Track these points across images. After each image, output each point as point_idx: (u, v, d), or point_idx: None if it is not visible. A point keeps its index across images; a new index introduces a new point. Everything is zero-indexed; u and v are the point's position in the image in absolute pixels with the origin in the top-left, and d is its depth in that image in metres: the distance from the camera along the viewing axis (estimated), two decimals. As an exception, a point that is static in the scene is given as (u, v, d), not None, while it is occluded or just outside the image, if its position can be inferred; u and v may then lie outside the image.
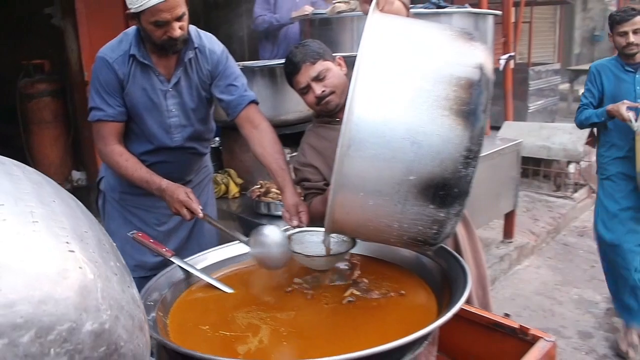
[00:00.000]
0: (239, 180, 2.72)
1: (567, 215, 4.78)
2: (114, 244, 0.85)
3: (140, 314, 0.80)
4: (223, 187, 2.64)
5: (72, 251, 0.69)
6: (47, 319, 0.62)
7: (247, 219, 2.39)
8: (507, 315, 1.54)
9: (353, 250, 1.57)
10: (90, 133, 4.37)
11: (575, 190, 5.18)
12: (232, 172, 2.73)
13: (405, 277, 1.50)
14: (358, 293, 1.42)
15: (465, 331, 1.57)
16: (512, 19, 6.07)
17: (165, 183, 1.81)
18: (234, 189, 2.68)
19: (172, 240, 2.09)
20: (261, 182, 2.49)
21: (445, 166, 1.06)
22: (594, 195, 5.35)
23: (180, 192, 1.77)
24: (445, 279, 1.38)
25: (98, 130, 1.90)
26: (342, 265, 1.58)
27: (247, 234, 1.61)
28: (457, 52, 1.13)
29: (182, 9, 1.72)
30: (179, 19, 1.72)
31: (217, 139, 2.96)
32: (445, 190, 1.08)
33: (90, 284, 0.68)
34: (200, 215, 1.75)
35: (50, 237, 0.68)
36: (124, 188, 2.02)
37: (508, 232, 4.07)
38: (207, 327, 1.30)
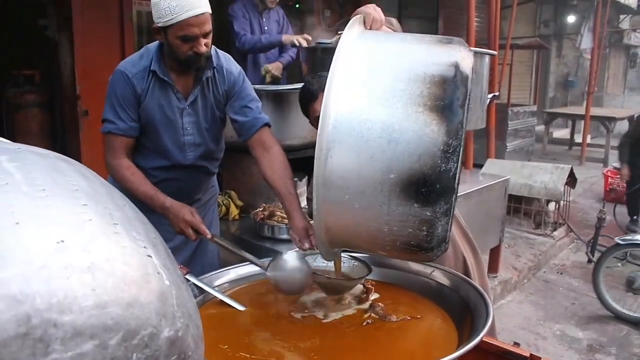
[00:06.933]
0: (239, 202, 2.71)
1: (547, 252, 4.88)
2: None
3: (201, 324, 0.80)
4: (223, 208, 2.62)
5: (150, 256, 0.69)
6: (134, 323, 0.62)
7: (249, 241, 2.37)
8: (516, 344, 1.56)
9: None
10: (78, 148, 4.32)
11: (555, 229, 5.30)
12: (232, 193, 2.72)
13: (419, 302, 1.52)
14: (376, 316, 1.43)
15: (474, 361, 1.59)
16: (498, 61, 6.28)
17: (169, 201, 1.78)
18: (234, 211, 2.66)
19: (176, 259, 2.05)
20: (264, 204, 2.48)
21: (424, 162, 1.06)
22: (572, 234, 5.49)
23: (186, 212, 1.74)
24: (462, 303, 1.41)
25: (108, 142, 1.88)
26: (356, 289, 1.59)
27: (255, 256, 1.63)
28: (431, 53, 1.15)
29: (210, 25, 1.74)
30: (205, 35, 1.73)
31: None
32: (427, 187, 1.07)
33: (167, 290, 0.68)
34: (209, 236, 1.73)
35: (130, 241, 0.68)
36: (129, 203, 1.99)
37: (493, 267, 4.11)
38: (227, 346, 1.29)
